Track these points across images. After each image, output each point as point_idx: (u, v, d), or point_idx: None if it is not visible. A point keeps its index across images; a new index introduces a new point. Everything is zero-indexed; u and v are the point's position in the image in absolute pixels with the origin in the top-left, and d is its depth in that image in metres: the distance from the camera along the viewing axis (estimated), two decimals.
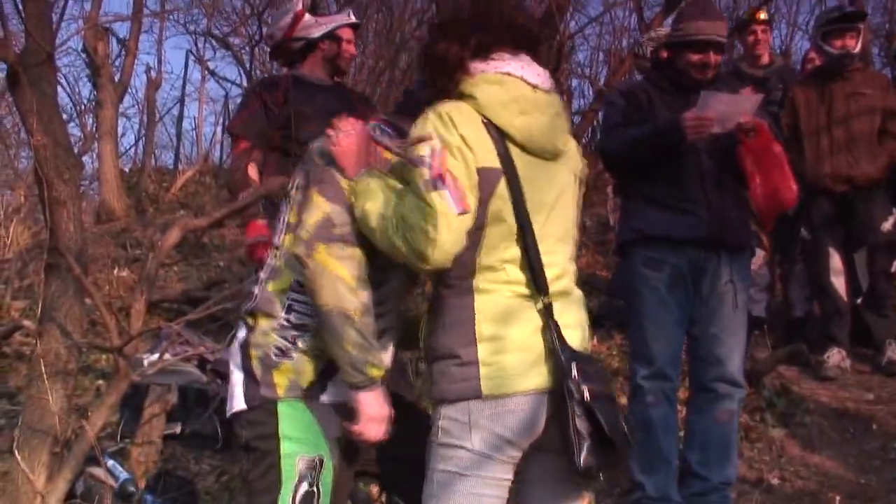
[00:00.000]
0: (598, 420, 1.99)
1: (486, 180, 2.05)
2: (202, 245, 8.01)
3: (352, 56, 4.06)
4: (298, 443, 2.17)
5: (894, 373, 4.97)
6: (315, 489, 2.16)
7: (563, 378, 2.02)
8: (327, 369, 2.21)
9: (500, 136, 2.09)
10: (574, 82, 11.59)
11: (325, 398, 2.22)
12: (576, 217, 2.27)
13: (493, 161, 2.07)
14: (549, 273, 2.10)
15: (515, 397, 2.03)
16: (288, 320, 2.21)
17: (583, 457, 1.98)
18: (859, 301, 5.23)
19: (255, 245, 3.51)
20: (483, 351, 2.04)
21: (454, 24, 2.22)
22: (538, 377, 2.04)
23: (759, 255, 5.50)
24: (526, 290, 2.08)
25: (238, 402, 2.23)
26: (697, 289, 3.56)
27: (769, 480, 3.90)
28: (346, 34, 3.96)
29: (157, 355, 4.06)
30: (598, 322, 5.82)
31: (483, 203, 2.04)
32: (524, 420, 2.04)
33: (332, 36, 3.92)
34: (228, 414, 2.28)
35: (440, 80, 2.16)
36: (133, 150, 14.44)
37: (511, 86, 2.13)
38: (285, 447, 2.16)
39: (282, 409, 2.18)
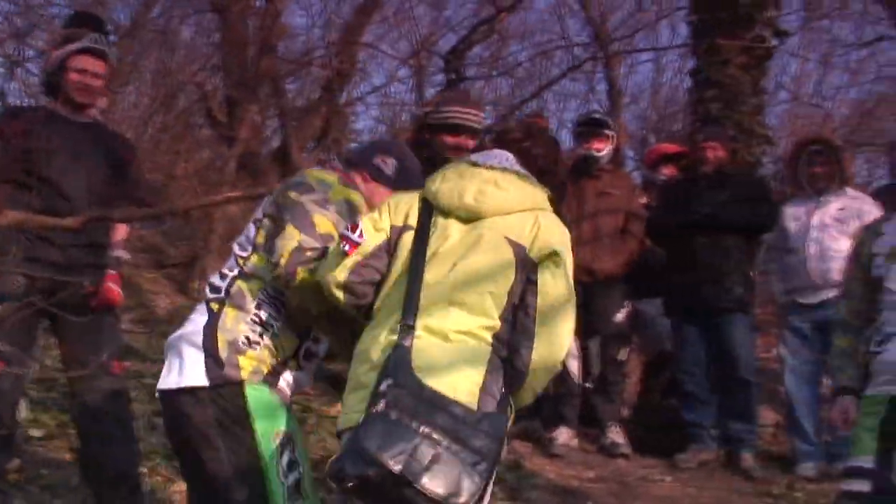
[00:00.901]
0: None
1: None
2: None
3: (87, 87, 3.68)
4: (270, 419, 2.47)
5: (615, 453, 5.33)
6: (295, 457, 2.49)
7: None
8: (284, 363, 2.56)
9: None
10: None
11: (281, 384, 2.55)
12: None
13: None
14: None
15: None
16: (258, 316, 2.55)
17: None
18: (590, 385, 5.59)
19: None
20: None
21: None
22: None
23: None
24: None
25: (196, 378, 2.47)
26: None
27: None
28: (77, 62, 3.65)
29: None
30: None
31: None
32: None
33: (62, 66, 3.65)
34: (173, 386, 2.51)
35: None
36: None
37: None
38: (260, 426, 2.46)
39: (249, 390, 2.48)
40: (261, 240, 2.65)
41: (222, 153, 8.71)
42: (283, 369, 2.58)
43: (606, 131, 5.63)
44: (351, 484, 2.12)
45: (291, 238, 2.50)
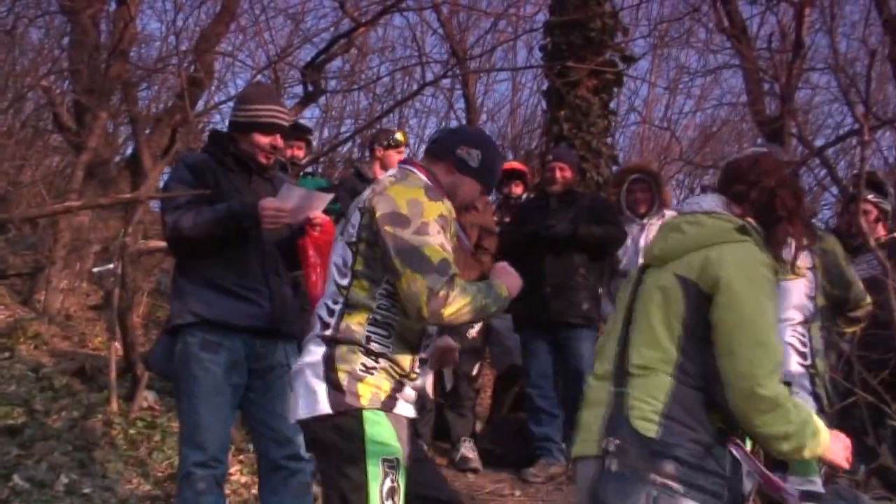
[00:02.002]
0: None
1: None
2: None
3: None
4: (380, 445, 2.61)
5: (465, 468, 5.39)
6: (395, 484, 2.62)
7: None
8: (399, 385, 2.71)
9: None
10: None
11: (397, 410, 2.69)
12: None
13: None
14: None
15: None
16: (369, 348, 2.68)
17: None
18: (442, 400, 5.63)
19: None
20: None
21: None
22: None
23: None
24: None
25: (322, 407, 2.65)
26: (256, 372, 3.57)
27: None
28: None
29: None
30: None
31: None
32: None
33: None
34: (306, 416, 2.69)
35: None
36: None
37: None
38: (370, 449, 2.60)
39: (367, 416, 2.63)
40: (360, 266, 2.75)
41: (71, 160, 8.36)
42: (402, 388, 2.73)
43: None
44: None
45: (418, 284, 2.59)
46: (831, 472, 4.84)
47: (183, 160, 3.75)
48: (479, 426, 6.37)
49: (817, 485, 3.58)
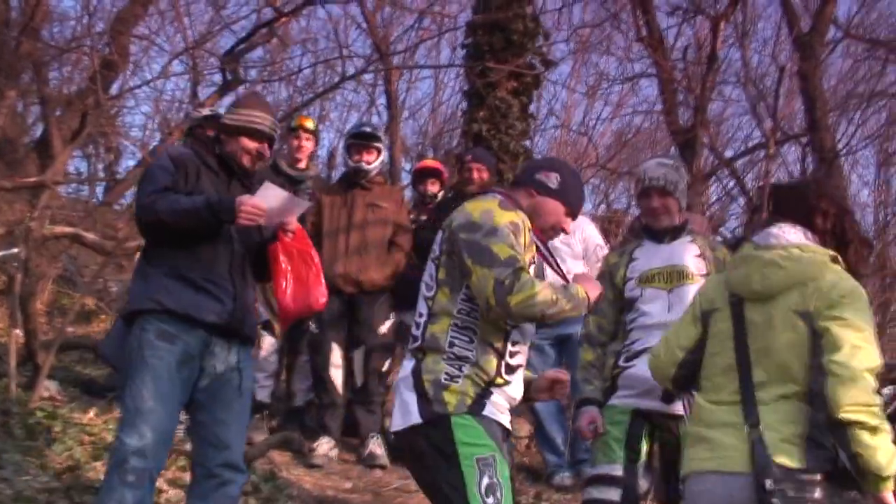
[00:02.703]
0: None
1: None
2: None
3: None
4: (472, 447, 2.72)
5: (373, 464, 5.39)
6: (495, 480, 2.70)
7: None
8: (486, 391, 2.82)
9: None
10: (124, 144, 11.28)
11: (486, 413, 2.80)
12: None
13: None
14: None
15: None
16: (452, 353, 2.81)
17: None
18: (352, 396, 5.63)
19: None
20: None
21: None
22: None
23: (271, 342, 5.74)
24: None
25: (413, 417, 2.78)
26: (205, 371, 3.52)
27: None
28: None
29: None
30: (99, 393, 5.61)
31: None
32: None
33: None
34: (400, 427, 2.83)
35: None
36: None
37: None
38: (462, 451, 2.71)
39: (455, 420, 2.74)
40: (442, 276, 2.89)
41: None
42: (489, 394, 2.83)
43: (376, 144, 5.72)
44: None
45: (485, 278, 2.75)
46: None
47: (167, 150, 3.75)
48: (387, 423, 6.38)
49: None
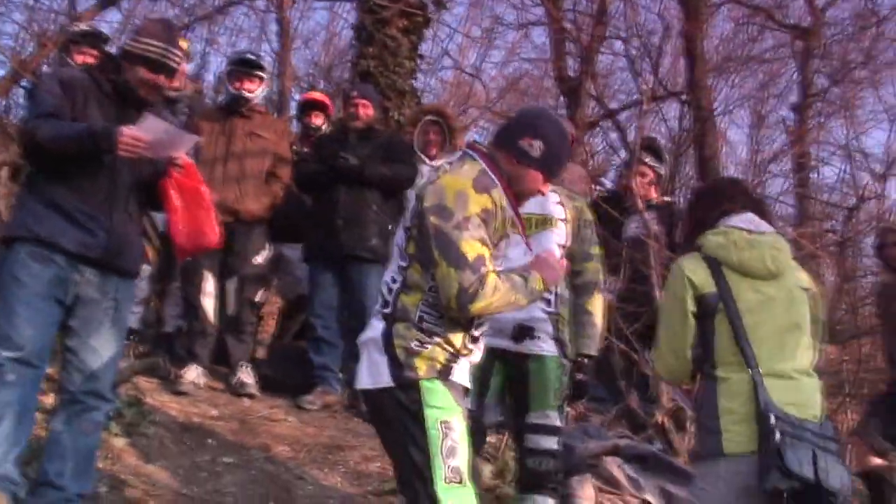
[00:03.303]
0: None
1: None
2: None
3: None
4: (438, 409, 2.85)
5: (241, 392, 5.42)
6: (457, 442, 2.85)
7: None
8: (454, 358, 2.92)
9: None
10: None
11: (452, 378, 2.91)
12: None
13: None
14: None
15: None
16: (422, 326, 2.89)
17: None
18: (223, 325, 5.62)
19: None
20: None
21: None
22: None
23: (143, 268, 5.65)
24: None
25: (384, 380, 2.89)
26: (80, 298, 3.51)
27: (97, 489, 3.95)
28: None
29: None
30: None
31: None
32: None
33: None
34: (370, 387, 2.94)
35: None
36: None
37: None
38: (429, 413, 2.84)
39: (424, 385, 2.86)
40: (412, 250, 2.92)
41: None
42: (455, 361, 2.92)
43: (259, 73, 5.64)
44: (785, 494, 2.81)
45: (450, 279, 2.80)
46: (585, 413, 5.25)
47: (57, 72, 3.69)
48: (262, 353, 6.41)
49: (551, 418, 3.90)
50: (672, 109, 13.55)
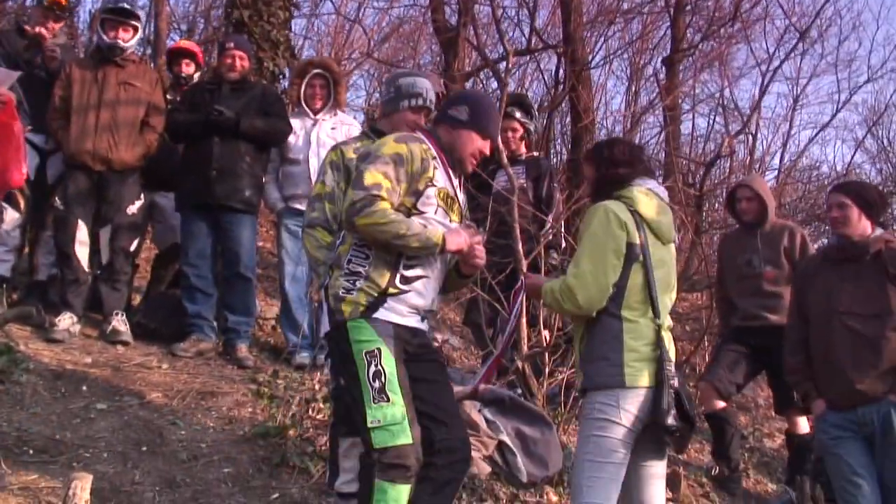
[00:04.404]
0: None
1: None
2: None
3: None
4: (362, 343, 3.25)
5: (115, 340, 5.49)
6: (380, 367, 3.21)
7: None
8: (379, 300, 3.28)
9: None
10: None
11: (377, 315, 3.27)
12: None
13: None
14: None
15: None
16: (348, 269, 3.32)
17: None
18: (98, 273, 5.66)
19: None
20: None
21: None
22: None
23: (14, 216, 5.62)
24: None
25: (328, 325, 3.45)
26: None
27: None
28: None
29: None
30: None
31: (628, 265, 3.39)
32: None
33: None
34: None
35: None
36: None
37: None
38: (355, 348, 3.25)
39: (349, 325, 3.27)
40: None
41: None
42: (382, 301, 3.28)
43: (133, 21, 5.63)
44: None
45: (347, 197, 3.28)
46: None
47: None
48: (134, 301, 6.45)
49: None
50: (552, 62, 13.85)
